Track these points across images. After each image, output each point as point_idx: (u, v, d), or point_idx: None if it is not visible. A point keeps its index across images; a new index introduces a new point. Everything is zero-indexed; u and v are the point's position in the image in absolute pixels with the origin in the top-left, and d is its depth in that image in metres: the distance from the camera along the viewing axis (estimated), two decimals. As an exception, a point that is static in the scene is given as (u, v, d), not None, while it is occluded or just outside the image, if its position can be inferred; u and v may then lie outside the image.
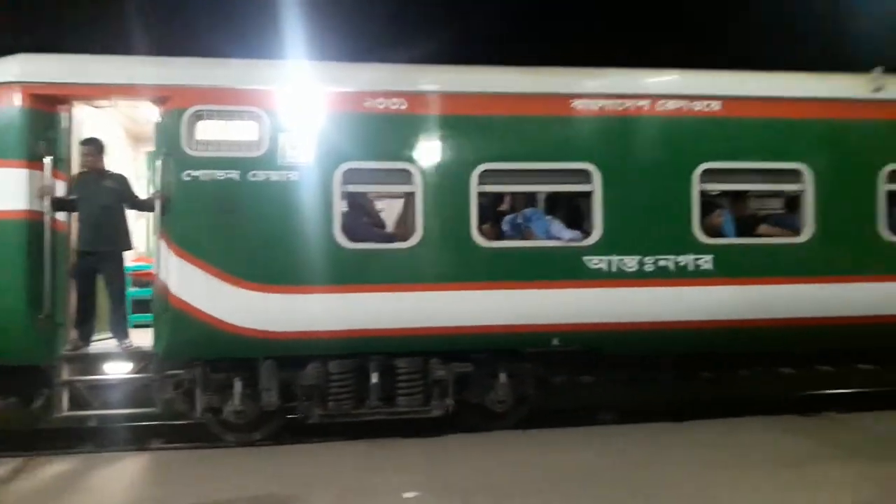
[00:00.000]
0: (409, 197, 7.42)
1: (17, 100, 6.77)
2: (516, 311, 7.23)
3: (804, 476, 5.62)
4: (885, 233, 7.73)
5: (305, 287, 6.99)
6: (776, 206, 8.80)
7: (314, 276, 6.98)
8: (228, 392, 7.06)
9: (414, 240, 7.20)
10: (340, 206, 7.10)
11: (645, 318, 7.35)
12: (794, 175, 7.64)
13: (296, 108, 7.09)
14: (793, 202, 7.95)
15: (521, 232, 7.61)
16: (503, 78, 7.50)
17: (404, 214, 7.67)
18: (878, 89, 7.86)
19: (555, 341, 7.37)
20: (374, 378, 7.19)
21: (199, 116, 6.96)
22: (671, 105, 7.51)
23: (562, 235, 7.48)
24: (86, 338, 7.14)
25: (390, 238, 7.61)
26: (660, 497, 5.26)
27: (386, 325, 7.06)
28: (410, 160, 7.19)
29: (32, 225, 6.74)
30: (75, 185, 7.09)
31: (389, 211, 8.25)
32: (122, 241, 7.32)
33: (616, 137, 7.45)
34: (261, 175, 6.92)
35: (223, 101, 7.02)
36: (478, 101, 7.33)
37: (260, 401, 7.09)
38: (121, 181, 7.30)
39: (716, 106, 7.56)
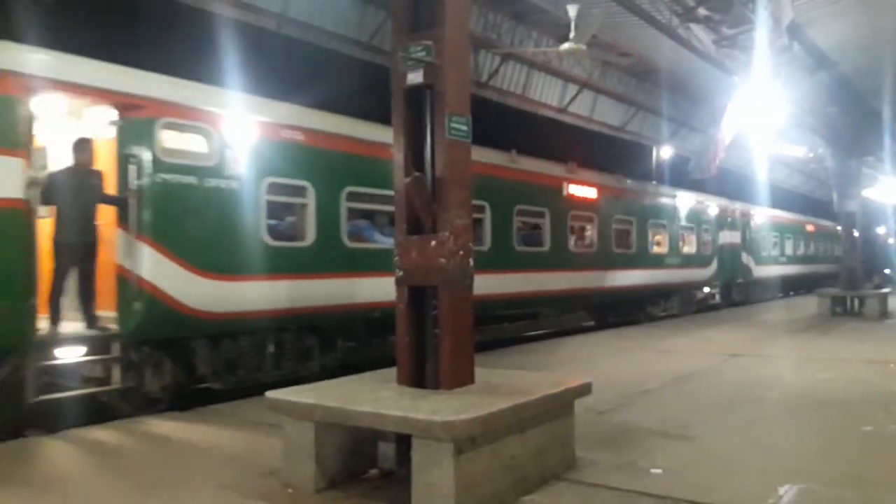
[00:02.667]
0: (303, 208, 9.21)
1: (14, 89, 6.80)
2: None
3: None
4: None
5: (239, 276, 8.29)
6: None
7: (247, 267, 8.33)
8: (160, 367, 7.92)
9: (308, 240, 9.18)
10: (266, 211, 8.68)
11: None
12: None
13: (237, 129, 8.42)
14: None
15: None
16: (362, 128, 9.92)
17: (300, 220, 9.31)
18: (512, 161, 13.13)
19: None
20: (271, 348, 8.76)
21: (167, 126, 7.76)
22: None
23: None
24: (56, 321, 7.32)
25: (296, 238, 9.24)
26: None
27: (304, 305, 8.90)
28: (305, 179, 9.13)
29: (25, 214, 6.81)
30: (61, 179, 7.38)
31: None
32: (96, 233, 7.63)
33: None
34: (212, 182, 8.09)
35: (185, 117, 7.98)
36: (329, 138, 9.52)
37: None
38: (101, 178, 7.67)
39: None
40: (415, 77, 5.23)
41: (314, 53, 15.08)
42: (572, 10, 10.66)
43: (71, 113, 7.97)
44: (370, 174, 9.77)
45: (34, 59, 7.09)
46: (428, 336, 5.18)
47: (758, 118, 16.23)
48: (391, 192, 8.53)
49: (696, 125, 25.85)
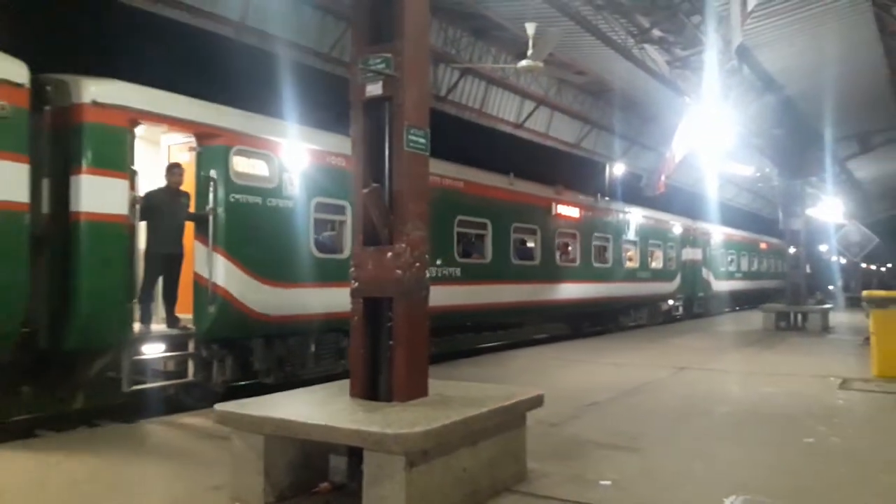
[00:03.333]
0: (342, 224, 10.56)
1: (124, 121, 7.95)
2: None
3: None
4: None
5: (293, 284, 9.55)
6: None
7: (299, 276, 9.59)
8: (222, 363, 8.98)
9: (345, 253, 10.10)
10: (314, 227, 9.99)
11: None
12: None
13: (293, 156, 9.70)
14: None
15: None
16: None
17: (339, 235, 10.70)
18: (511, 183, 14.94)
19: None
20: (313, 348, 10.03)
21: (239, 153, 9.01)
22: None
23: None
24: (148, 321, 8.35)
25: (336, 251, 10.47)
26: None
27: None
28: (344, 199, 10.10)
29: (128, 228, 7.96)
30: (155, 198, 8.41)
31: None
32: (183, 246, 8.69)
33: None
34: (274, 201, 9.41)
35: (254, 145, 9.24)
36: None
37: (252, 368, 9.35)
38: (189, 198, 8.74)
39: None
40: (374, 89, 5.26)
41: (272, 63, 14.95)
42: (530, 28, 10.81)
43: (149, 139, 9.08)
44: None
45: (136, 95, 8.15)
46: (382, 348, 5.18)
47: (708, 138, 16.68)
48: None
49: (648, 143, 26.32)
